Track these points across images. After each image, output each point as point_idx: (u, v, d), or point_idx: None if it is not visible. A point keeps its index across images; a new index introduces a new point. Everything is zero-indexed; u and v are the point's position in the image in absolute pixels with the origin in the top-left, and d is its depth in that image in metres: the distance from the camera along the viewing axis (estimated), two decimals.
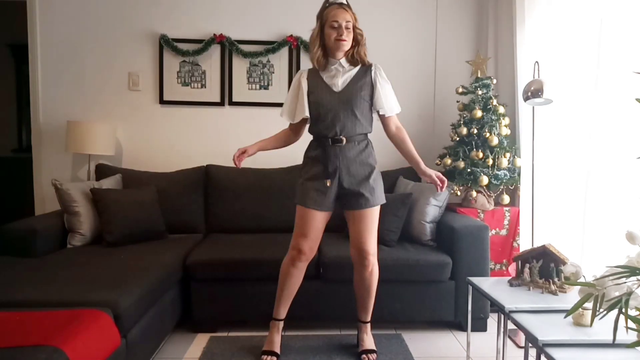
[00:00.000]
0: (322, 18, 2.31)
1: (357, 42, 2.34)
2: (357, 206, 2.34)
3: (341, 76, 2.35)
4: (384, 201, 2.40)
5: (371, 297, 2.46)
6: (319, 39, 2.33)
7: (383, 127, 2.46)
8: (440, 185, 2.40)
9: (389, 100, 2.38)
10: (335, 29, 2.27)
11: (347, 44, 2.30)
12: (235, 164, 2.35)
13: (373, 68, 2.37)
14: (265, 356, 2.42)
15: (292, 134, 2.52)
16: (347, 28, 2.27)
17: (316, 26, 2.34)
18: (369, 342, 2.50)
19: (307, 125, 2.45)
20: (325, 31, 2.30)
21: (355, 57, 2.35)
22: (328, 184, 2.32)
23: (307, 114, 2.36)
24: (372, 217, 2.37)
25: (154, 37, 3.68)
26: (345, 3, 2.31)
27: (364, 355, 2.44)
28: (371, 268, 2.40)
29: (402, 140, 2.46)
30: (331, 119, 2.32)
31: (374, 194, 2.35)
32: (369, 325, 2.53)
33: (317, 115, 2.36)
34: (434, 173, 2.41)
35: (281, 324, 2.48)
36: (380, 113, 2.38)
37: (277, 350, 2.45)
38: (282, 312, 2.46)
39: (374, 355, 2.46)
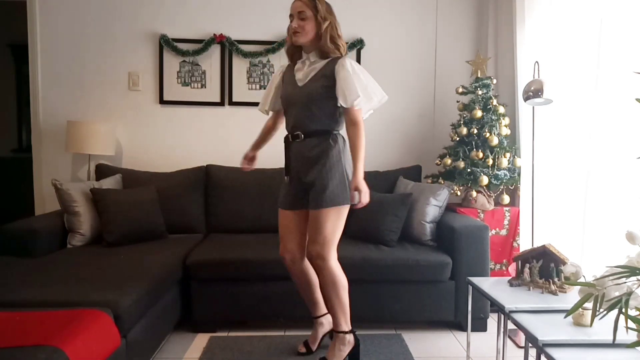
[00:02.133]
0: None
1: (320, 30, 2.20)
2: (307, 205, 2.27)
3: (305, 69, 2.28)
4: (339, 204, 2.20)
5: (333, 303, 2.28)
6: (288, 32, 2.32)
7: None
8: (356, 202, 2.19)
9: (346, 90, 2.15)
10: (291, 21, 2.25)
11: (300, 35, 2.20)
12: (244, 170, 2.44)
13: (339, 61, 2.20)
14: (301, 345, 2.48)
15: (271, 124, 2.58)
16: (301, 19, 2.18)
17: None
18: (330, 353, 2.32)
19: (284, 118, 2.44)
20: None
21: (323, 48, 2.24)
22: (287, 180, 2.36)
23: (267, 107, 2.44)
24: (320, 218, 2.19)
25: (154, 37, 3.68)
26: None
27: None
28: (323, 272, 2.23)
29: (350, 138, 2.23)
30: (290, 113, 2.32)
31: (324, 194, 2.17)
32: (336, 334, 2.34)
33: (285, 110, 2.39)
34: (357, 187, 2.16)
35: (318, 320, 2.48)
36: (338, 104, 2.19)
37: (312, 346, 2.47)
38: (312, 310, 2.48)
39: None
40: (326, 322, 2.49)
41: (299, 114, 2.26)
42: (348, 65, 2.19)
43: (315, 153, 2.23)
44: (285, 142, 2.35)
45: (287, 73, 2.38)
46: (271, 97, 2.45)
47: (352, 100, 2.16)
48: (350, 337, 2.35)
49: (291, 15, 2.24)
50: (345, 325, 2.32)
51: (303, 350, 2.47)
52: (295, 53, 2.35)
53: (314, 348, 2.48)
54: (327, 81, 2.20)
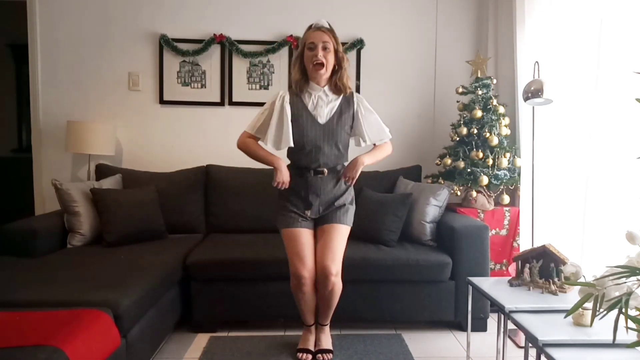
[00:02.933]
0: (302, 40, 2.31)
1: (339, 66, 2.30)
2: (328, 220, 2.37)
3: (325, 106, 2.33)
4: (351, 224, 2.43)
5: (331, 309, 2.41)
6: (298, 61, 2.32)
7: None
8: (346, 177, 2.38)
9: (373, 130, 2.41)
10: (311, 50, 2.24)
11: (323, 71, 2.26)
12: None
13: (355, 99, 2.37)
14: (301, 354, 2.43)
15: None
16: (324, 49, 2.23)
17: (298, 49, 2.34)
18: (325, 342, 2.47)
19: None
20: (305, 53, 2.28)
21: (338, 84, 2.32)
22: (308, 214, 2.39)
23: (291, 143, 2.31)
24: (342, 233, 2.37)
25: (154, 37, 3.68)
26: (327, 27, 2.28)
27: (319, 355, 2.41)
28: (331, 287, 2.30)
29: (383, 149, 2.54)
30: (315, 151, 2.32)
31: (347, 214, 2.39)
32: (327, 326, 2.50)
33: (300, 145, 2.33)
34: (361, 161, 2.36)
35: (312, 327, 2.50)
36: (364, 144, 2.42)
37: (311, 347, 2.46)
38: (308, 319, 2.48)
39: (330, 355, 2.42)
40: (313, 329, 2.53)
41: (325, 152, 2.32)
42: (366, 103, 2.40)
43: (339, 185, 2.40)
44: (301, 175, 2.37)
45: (295, 104, 2.34)
46: (288, 133, 2.31)
47: (385, 138, 2.48)
48: None
49: (312, 45, 2.25)
50: None
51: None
52: (300, 83, 2.34)
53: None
54: (349, 120, 2.37)
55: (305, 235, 2.36)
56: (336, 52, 2.27)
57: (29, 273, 2.32)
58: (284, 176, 2.33)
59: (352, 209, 2.45)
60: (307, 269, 2.29)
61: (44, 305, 1.88)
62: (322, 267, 2.28)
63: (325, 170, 2.35)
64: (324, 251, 2.30)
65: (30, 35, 3.61)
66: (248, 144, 2.42)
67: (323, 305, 2.39)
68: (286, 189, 2.38)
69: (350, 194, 2.47)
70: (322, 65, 2.24)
